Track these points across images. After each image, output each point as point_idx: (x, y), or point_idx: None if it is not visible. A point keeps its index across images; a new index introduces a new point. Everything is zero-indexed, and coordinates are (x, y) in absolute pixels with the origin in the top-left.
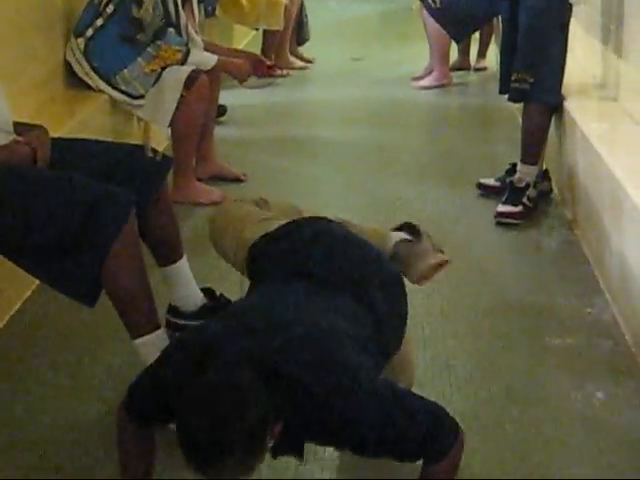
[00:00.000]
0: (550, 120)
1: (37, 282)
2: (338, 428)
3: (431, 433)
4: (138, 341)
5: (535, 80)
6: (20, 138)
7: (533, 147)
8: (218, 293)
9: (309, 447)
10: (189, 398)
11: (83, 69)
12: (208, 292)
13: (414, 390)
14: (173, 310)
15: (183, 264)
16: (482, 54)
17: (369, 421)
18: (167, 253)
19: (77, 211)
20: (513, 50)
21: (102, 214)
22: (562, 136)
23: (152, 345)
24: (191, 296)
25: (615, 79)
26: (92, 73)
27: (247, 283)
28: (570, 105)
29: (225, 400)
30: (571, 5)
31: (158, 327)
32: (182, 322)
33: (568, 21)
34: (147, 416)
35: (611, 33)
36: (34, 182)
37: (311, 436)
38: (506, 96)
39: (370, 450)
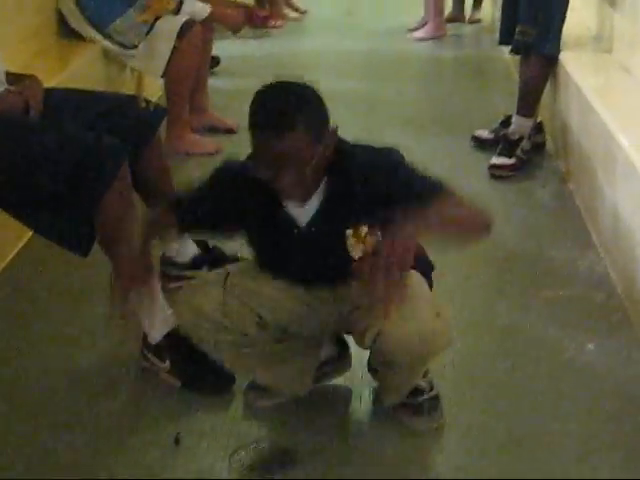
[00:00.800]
0: (549, 72)
1: (30, 232)
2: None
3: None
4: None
5: (538, 32)
6: (12, 88)
7: (530, 99)
8: (211, 245)
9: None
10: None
11: (76, 19)
12: (201, 244)
13: None
14: (166, 260)
15: None
16: (477, 6)
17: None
18: (160, 202)
19: (69, 162)
20: (515, 1)
21: (94, 165)
22: (556, 89)
23: (145, 294)
24: (184, 245)
25: (610, 31)
26: (85, 23)
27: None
28: (565, 57)
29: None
30: None
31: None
32: (175, 273)
33: None
34: (190, 219)
35: None
36: (26, 132)
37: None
38: (505, 47)
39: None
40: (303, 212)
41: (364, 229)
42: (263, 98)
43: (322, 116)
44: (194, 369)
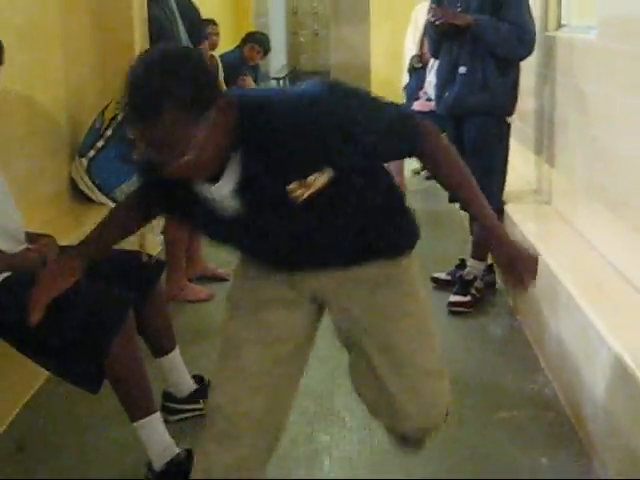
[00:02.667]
0: None
1: (47, 374)
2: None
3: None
4: (137, 424)
5: (482, 192)
6: (31, 246)
7: (482, 245)
8: (207, 379)
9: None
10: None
11: (86, 185)
12: (198, 378)
13: None
14: (167, 395)
15: (176, 354)
16: None
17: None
18: (161, 345)
19: (82, 311)
20: None
21: (104, 314)
22: None
23: (149, 427)
24: (183, 382)
25: (548, 185)
26: (94, 188)
27: None
28: (510, 209)
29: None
30: (509, 124)
31: (154, 411)
32: (174, 406)
33: (507, 137)
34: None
35: (544, 146)
36: None
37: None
38: (455, 204)
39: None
40: (221, 189)
41: (312, 177)
42: (130, 77)
43: (199, 86)
44: None
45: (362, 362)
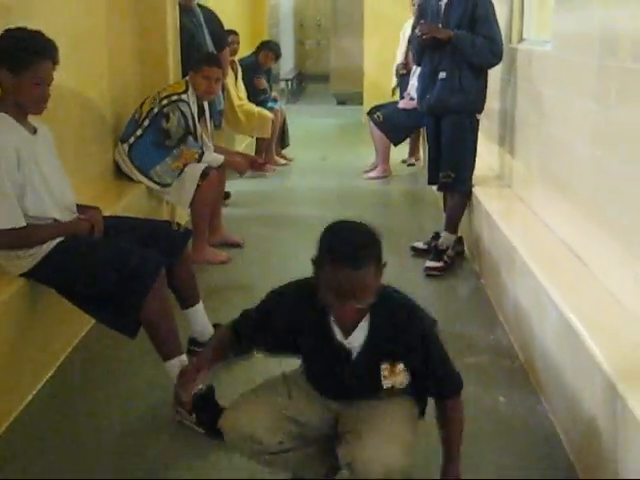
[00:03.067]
0: (467, 202)
1: (92, 321)
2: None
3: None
4: (167, 363)
5: (455, 176)
6: (82, 216)
7: (454, 221)
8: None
9: None
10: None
11: (127, 166)
12: (217, 326)
13: None
14: (192, 340)
15: (199, 307)
16: (412, 153)
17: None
18: (188, 298)
19: (123, 269)
20: (437, 153)
21: (140, 271)
22: (472, 212)
23: (177, 366)
24: (205, 329)
25: (509, 172)
26: (134, 169)
27: None
28: (477, 191)
29: (364, 228)
30: (478, 120)
31: (182, 353)
32: (199, 349)
33: (477, 131)
34: (245, 334)
35: (506, 140)
36: (92, 248)
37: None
38: (433, 186)
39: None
40: (351, 341)
41: (400, 366)
42: (338, 235)
43: (381, 252)
44: (211, 420)
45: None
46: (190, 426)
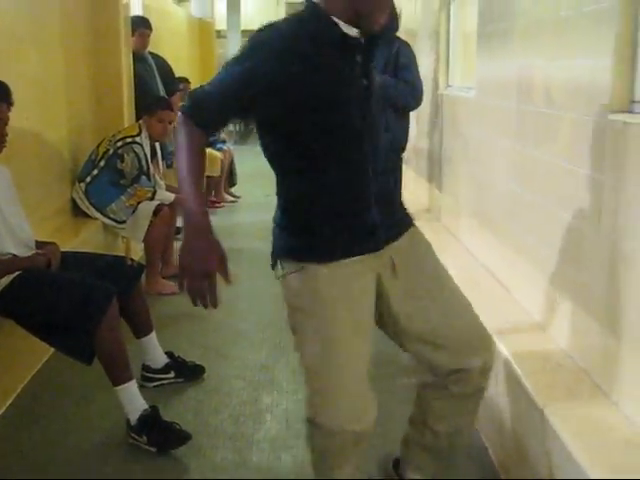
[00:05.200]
0: None
1: (51, 350)
2: None
3: None
4: (118, 388)
5: None
6: (40, 251)
7: None
8: (176, 354)
9: None
10: None
11: (84, 204)
12: (169, 354)
13: None
14: (146, 367)
15: (152, 336)
16: None
17: None
18: (142, 328)
19: (76, 297)
20: None
21: (93, 299)
22: None
23: (128, 390)
24: (158, 357)
25: (438, 206)
26: (90, 207)
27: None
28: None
29: None
30: (402, 157)
31: (132, 378)
32: (151, 375)
33: (401, 168)
34: (212, 122)
35: (434, 176)
36: (50, 281)
37: None
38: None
39: None
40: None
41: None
42: None
43: None
44: (162, 437)
45: (415, 324)
46: (143, 447)
